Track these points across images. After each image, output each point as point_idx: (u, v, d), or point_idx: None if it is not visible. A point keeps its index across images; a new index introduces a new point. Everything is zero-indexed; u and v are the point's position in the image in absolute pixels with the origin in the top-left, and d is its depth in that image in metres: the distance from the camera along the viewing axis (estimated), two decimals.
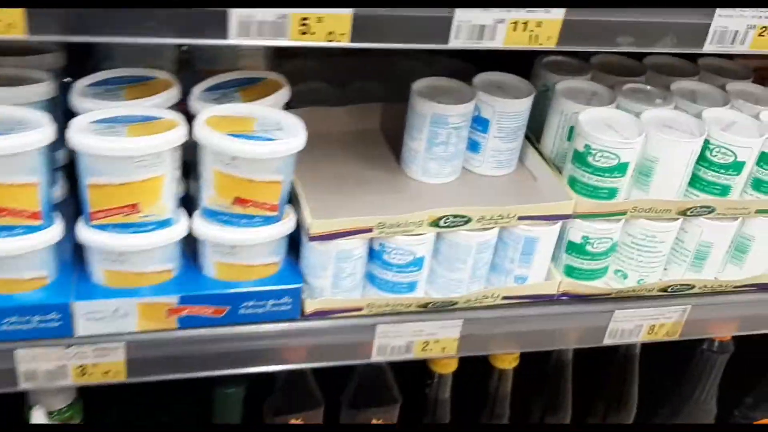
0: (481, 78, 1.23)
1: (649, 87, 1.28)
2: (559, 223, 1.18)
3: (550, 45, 0.97)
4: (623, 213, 1.19)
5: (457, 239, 1.14)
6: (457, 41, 0.94)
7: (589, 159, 1.14)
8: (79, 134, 0.94)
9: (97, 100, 1.01)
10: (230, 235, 1.04)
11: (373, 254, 1.14)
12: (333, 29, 0.90)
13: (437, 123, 1.16)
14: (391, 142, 1.29)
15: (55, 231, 1.01)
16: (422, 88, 1.19)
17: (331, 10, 0.88)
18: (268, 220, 1.05)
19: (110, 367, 1.09)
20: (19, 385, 1.07)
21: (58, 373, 1.07)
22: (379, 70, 1.46)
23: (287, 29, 0.89)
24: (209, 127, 0.98)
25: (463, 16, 0.92)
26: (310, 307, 1.12)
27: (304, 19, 0.88)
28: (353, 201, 1.14)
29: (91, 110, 0.99)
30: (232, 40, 0.88)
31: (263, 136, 0.99)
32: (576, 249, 1.21)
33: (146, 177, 0.97)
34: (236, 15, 0.86)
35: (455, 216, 1.12)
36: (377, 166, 1.24)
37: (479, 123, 1.21)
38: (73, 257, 1.07)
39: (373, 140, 1.30)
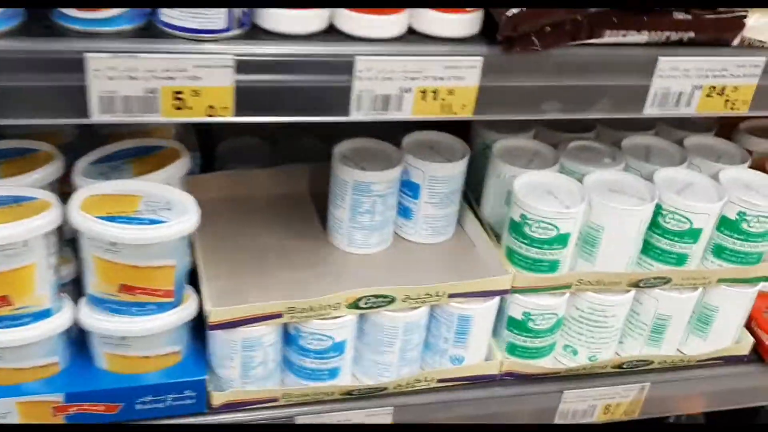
0: (411, 138, 1.12)
1: (597, 144, 1.17)
2: (496, 300, 1.07)
3: (466, 114, 0.86)
4: (567, 287, 1.07)
5: (381, 320, 1.03)
6: (359, 113, 0.84)
7: (526, 230, 1.03)
8: None
9: None
10: (118, 325, 0.93)
11: (289, 339, 1.03)
12: (213, 103, 0.79)
13: (360, 190, 1.05)
14: (320, 207, 1.18)
15: None
16: (346, 151, 1.08)
17: (211, 83, 0.78)
18: (162, 308, 0.94)
19: None
20: None
21: None
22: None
23: (158, 104, 0.78)
24: (85, 209, 0.88)
25: (363, 85, 0.82)
26: (217, 399, 1.01)
27: (178, 92, 0.78)
28: (268, 279, 1.03)
29: None
30: (96, 119, 0.77)
31: (147, 218, 0.88)
32: (517, 326, 1.10)
33: (14, 267, 0.86)
34: (97, 91, 0.76)
35: (377, 296, 1.00)
36: (301, 236, 1.13)
37: (409, 188, 1.10)
38: None
39: (301, 206, 1.19)
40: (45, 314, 0.92)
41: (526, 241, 1.04)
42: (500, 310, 1.10)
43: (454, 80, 0.84)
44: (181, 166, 0.98)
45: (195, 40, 0.77)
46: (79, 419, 0.97)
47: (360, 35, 0.82)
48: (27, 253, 0.86)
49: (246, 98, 0.80)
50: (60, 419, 0.96)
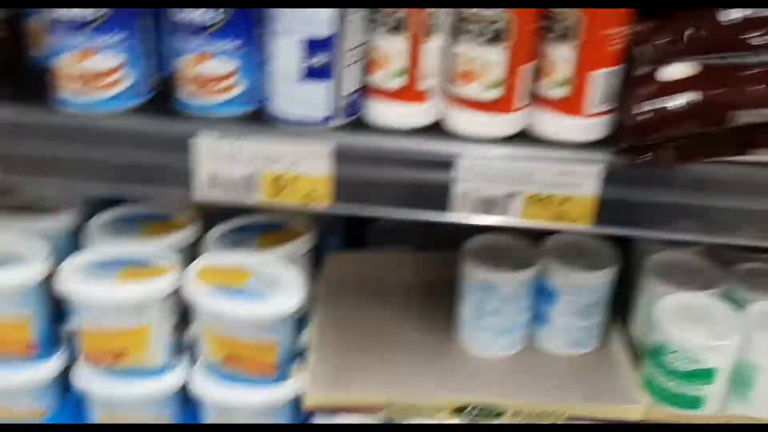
0: (555, 240, 1.04)
1: None
2: None
3: (584, 224, 0.78)
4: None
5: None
6: (460, 213, 0.79)
7: (665, 359, 0.91)
8: (65, 275, 0.91)
9: (109, 236, 0.99)
10: (220, 394, 0.95)
11: None
12: (310, 190, 0.79)
13: (487, 291, 1.00)
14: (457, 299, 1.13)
15: (51, 366, 0.98)
16: (478, 246, 1.03)
17: (308, 171, 0.78)
18: (264, 382, 0.95)
19: None
20: None
21: None
22: None
23: (258, 187, 0.79)
24: (199, 278, 0.91)
25: (466, 186, 0.77)
26: None
27: (278, 177, 0.79)
28: (379, 369, 1.00)
29: (101, 247, 0.97)
30: (200, 196, 0.80)
31: (252, 293, 0.89)
32: None
33: (130, 326, 0.91)
34: (203, 170, 0.79)
35: (483, 407, 0.94)
36: (428, 329, 1.08)
37: (545, 294, 1.02)
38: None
39: (437, 296, 1.14)
40: (156, 373, 0.96)
41: (664, 371, 0.92)
42: None
43: (569, 188, 0.77)
44: (300, 245, 0.99)
45: (299, 128, 0.78)
46: None
47: (468, 133, 0.78)
48: (143, 314, 0.91)
49: (343, 189, 0.79)
50: None
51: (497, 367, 1.02)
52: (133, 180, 0.80)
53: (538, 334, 1.05)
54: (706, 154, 0.74)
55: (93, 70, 0.77)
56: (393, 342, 1.05)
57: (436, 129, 0.79)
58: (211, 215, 1.02)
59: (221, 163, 0.78)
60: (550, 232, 1.05)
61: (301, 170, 0.78)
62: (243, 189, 0.80)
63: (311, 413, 0.95)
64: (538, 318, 1.04)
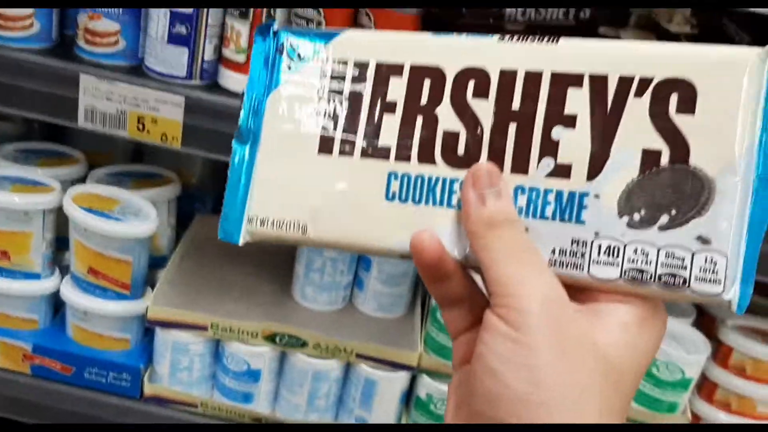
0: None
1: None
2: (402, 374, 1.17)
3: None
4: None
5: (294, 361, 1.17)
6: None
7: (439, 315, 1.14)
8: None
9: (10, 162, 1.21)
10: (82, 301, 1.16)
11: (217, 355, 1.20)
12: (166, 132, 1.03)
13: (314, 250, 1.23)
14: None
15: None
16: None
17: (165, 115, 1.02)
18: (119, 296, 1.16)
19: None
20: None
21: None
22: None
23: (126, 124, 1.03)
24: (75, 200, 1.13)
25: None
26: (147, 389, 1.19)
27: (141, 117, 1.02)
28: (215, 299, 1.21)
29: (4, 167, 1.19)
30: (80, 125, 1.04)
31: (115, 217, 1.12)
32: (421, 406, 1.18)
33: (15, 230, 1.13)
34: (83, 103, 1.02)
35: (291, 336, 1.15)
36: (272, 283, 1.30)
37: (364, 260, 1.25)
38: None
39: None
40: (34, 276, 1.17)
41: (437, 326, 1.15)
42: (410, 390, 1.20)
43: None
44: (166, 191, 1.22)
45: (163, 81, 1.02)
46: (41, 372, 1.19)
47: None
48: (27, 222, 1.13)
49: (191, 134, 1.02)
50: (26, 367, 1.19)
51: (313, 316, 1.24)
52: (28, 104, 1.03)
53: (356, 297, 1.28)
54: None
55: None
56: (234, 285, 1.27)
57: None
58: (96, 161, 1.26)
59: (98, 101, 1.02)
60: None
61: (159, 114, 1.02)
62: (114, 124, 1.03)
63: (153, 324, 1.16)
64: (357, 283, 1.27)
